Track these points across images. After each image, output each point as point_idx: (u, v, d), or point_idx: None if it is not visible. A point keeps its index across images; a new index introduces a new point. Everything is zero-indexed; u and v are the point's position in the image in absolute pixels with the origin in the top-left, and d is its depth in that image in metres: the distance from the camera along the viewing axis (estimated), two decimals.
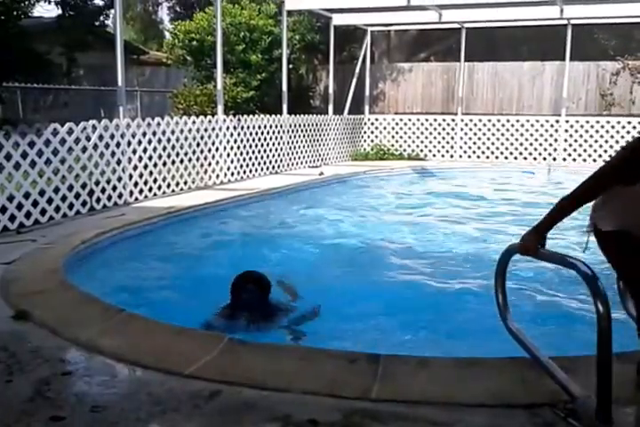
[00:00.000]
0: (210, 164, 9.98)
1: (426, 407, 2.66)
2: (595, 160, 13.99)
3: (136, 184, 8.33)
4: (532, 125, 14.48)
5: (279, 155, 12.03)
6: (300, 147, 12.72)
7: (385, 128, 15.55)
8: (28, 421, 2.57)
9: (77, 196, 7.30)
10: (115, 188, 7.92)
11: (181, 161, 9.10)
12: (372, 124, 15.63)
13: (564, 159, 14.26)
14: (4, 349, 3.31)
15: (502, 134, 14.73)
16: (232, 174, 10.58)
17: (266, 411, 2.63)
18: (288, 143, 12.26)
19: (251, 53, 14.44)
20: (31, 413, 2.63)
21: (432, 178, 12.88)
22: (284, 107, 12.25)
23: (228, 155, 10.45)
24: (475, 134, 14.98)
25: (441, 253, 6.48)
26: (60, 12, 17.76)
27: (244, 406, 2.67)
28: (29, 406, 2.68)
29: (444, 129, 15.16)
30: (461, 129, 15.06)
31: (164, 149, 8.86)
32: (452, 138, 15.13)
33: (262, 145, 11.43)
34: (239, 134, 10.73)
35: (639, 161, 2.59)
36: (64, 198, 7.12)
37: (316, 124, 13.29)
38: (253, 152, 11.17)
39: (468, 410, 2.64)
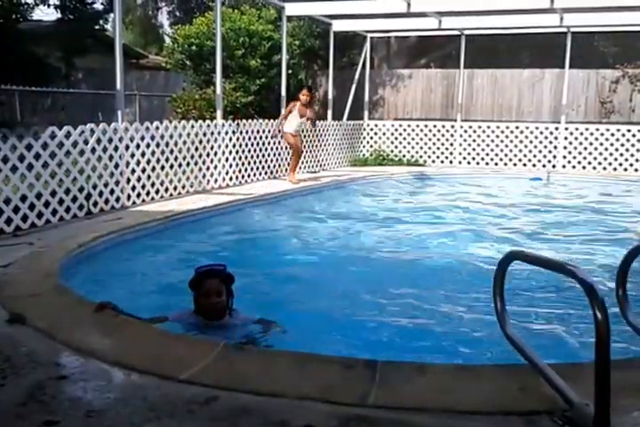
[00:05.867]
0: (208, 168, 9.98)
1: (423, 414, 2.63)
2: (594, 168, 14.00)
3: (134, 188, 8.31)
4: (532, 132, 14.50)
5: (278, 160, 12.02)
6: None
7: (384, 134, 15.56)
8: (20, 425, 2.54)
9: (74, 199, 7.28)
10: (112, 191, 7.91)
11: (179, 165, 9.10)
12: (372, 129, 15.64)
13: (564, 166, 14.27)
14: None
15: (502, 141, 14.75)
16: (230, 179, 10.58)
17: (262, 417, 2.60)
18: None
19: (250, 58, 14.47)
20: (24, 417, 2.59)
21: (431, 184, 12.88)
22: (283, 112, 12.24)
23: (227, 159, 10.45)
24: (474, 141, 14.99)
25: (440, 258, 6.46)
26: (59, 15, 17.85)
27: (240, 411, 2.65)
28: (22, 411, 2.64)
29: (443, 135, 15.18)
30: (461, 135, 15.07)
31: (163, 152, 8.85)
32: (452, 144, 15.14)
33: (261, 150, 11.44)
34: (238, 139, 10.73)
35: None
36: (61, 202, 7.09)
37: (315, 130, 13.28)
38: (252, 157, 11.18)
39: (465, 417, 2.61)
